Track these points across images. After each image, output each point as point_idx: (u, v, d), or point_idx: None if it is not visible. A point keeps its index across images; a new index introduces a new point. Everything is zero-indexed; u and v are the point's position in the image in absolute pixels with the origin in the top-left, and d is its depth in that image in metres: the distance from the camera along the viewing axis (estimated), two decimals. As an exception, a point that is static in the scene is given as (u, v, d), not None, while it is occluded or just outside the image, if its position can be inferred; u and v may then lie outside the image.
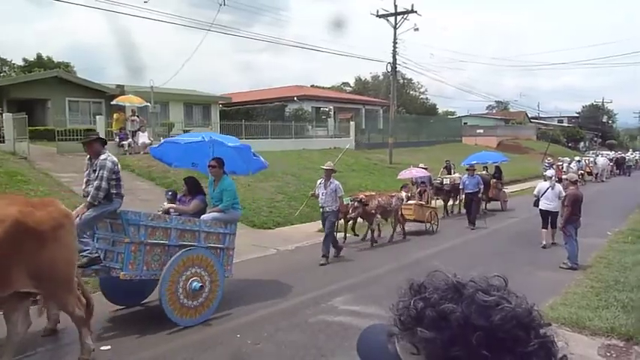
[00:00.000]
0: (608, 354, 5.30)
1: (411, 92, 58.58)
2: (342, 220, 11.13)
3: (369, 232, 11.44)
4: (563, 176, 16.11)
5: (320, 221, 10.67)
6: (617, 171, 35.11)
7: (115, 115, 20.31)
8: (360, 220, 11.55)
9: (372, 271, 9.11)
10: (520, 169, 29.83)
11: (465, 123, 50.46)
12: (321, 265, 9.40)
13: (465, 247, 11.29)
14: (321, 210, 10.01)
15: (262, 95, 33.73)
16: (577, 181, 10.20)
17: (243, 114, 28.94)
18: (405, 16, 27.44)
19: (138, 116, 20.61)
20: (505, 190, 18.06)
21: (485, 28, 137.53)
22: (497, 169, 17.96)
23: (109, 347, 5.53)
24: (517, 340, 0.77)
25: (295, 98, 31.63)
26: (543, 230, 10.99)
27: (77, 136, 19.23)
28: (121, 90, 23.42)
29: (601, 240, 11.25)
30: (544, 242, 10.92)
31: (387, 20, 27.91)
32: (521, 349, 0.77)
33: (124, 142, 19.47)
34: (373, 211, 11.11)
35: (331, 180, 9.94)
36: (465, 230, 13.34)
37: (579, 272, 8.64)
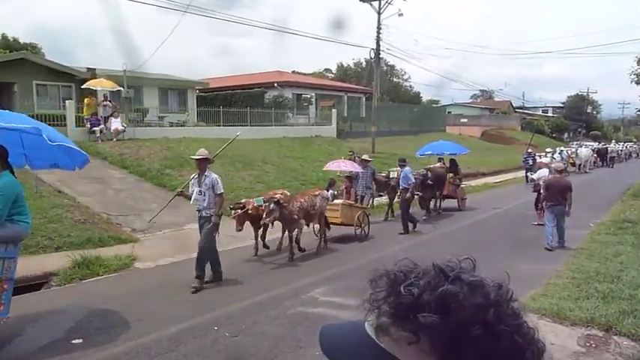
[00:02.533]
0: (588, 344, 5.45)
1: (395, 79, 58.75)
2: (252, 227, 9.44)
3: (289, 242, 9.46)
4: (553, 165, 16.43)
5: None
6: (600, 162, 35.85)
7: (85, 100, 19.93)
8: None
9: (353, 262, 9.19)
10: (504, 160, 30.25)
11: (449, 112, 50.84)
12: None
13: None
14: (197, 215, 7.90)
15: (241, 81, 33.43)
16: (563, 170, 11.38)
17: (222, 100, 28.67)
18: (389, 0, 27.43)
19: (110, 101, 20.27)
20: (463, 186, 16.57)
21: (471, 16, 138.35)
22: (453, 162, 16.22)
23: (80, 340, 5.50)
24: (511, 316, 0.80)
25: (276, 84, 31.45)
26: (537, 212, 12.93)
27: (46, 122, 18.84)
28: (93, 73, 22.96)
29: (583, 231, 11.52)
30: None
31: (371, 5, 27.86)
32: (515, 321, 0.79)
33: (95, 129, 19.14)
34: (295, 216, 9.32)
35: (207, 173, 7.76)
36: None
37: (560, 264, 8.84)
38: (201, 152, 7.95)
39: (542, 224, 12.13)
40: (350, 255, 9.88)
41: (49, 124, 19.57)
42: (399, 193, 12.35)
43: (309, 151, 23.14)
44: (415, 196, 13.29)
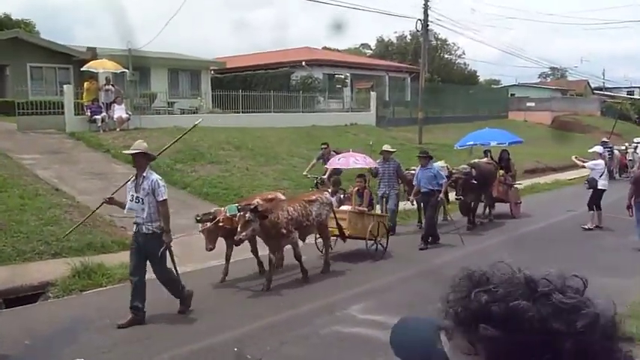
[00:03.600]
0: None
1: (446, 56, 58.05)
2: (225, 244, 8.69)
3: (270, 266, 8.37)
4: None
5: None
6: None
7: (85, 84, 20.41)
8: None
9: (394, 275, 9.14)
10: (579, 152, 29.55)
11: (512, 94, 50.07)
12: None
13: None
14: (135, 229, 7.13)
15: (263, 59, 33.61)
16: None
17: (241, 82, 28.95)
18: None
19: (113, 85, 20.71)
20: (517, 187, 15.72)
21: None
22: (504, 155, 15.40)
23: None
24: (599, 352, 0.79)
25: (304, 63, 31.54)
26: (590, 212, 13.09)
27: (41, 109, 19.44)
28: (93, 54, 23.51)
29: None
30: (588, 224, 12.95)
31: (417, -33, 27.61)
32: None
33: (96, 117, 19.59)
34: (283, 229, 8.24)
35: (146, 174, 6.95)
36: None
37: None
38: (138, 146, 7.08)
39: (591, 228, 12.86)
40: (389, 268, 9.83)
41: (45, 112, 20.26)
42: (410, 198, 12.41)
43: (344, 142, 23.02)
44: (455, 200, 13.13)
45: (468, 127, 30.78)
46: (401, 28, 64.24)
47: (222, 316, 7.21)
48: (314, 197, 9.35)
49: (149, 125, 20.04)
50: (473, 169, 13.15)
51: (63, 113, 19.42)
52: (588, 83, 62.93)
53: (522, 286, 0.84)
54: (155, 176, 7.02)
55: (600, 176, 13.01)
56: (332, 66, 33.61)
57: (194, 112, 24.10)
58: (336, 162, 12.33)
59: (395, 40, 58.00)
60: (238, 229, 7.70)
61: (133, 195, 6.96)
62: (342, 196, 11.49)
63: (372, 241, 10.48)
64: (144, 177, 6.92)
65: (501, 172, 14.94)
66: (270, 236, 8.22)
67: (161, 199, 6.84)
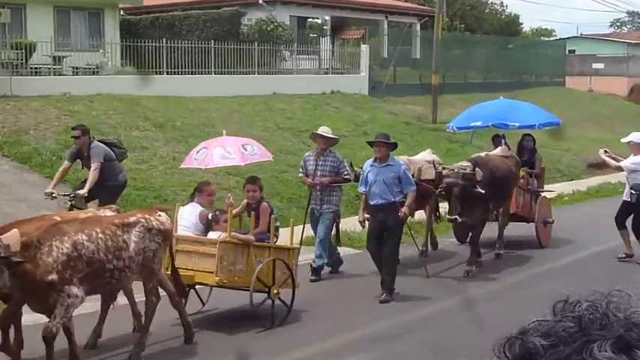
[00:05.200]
0: None
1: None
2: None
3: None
4: None
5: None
6: None
7: None
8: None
9: (393, 319, 9.33)
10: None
11: (571, 51, 50.60)
12: None
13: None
14: None
15: (200, -5, 33.52)
16: None
17: (164, 29, 28.81)
18: None
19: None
20: (547, 196, 15.28)
21: None
22: (527, 143, 14.89)
23: None
24: None
25: (261, 0, 31.45)
26: (622, 231, 12.94)
27: None
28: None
29: None
30: (625, 251, 12.87)
31: None
32: None
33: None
34: (52, 276, 7.26)
35: None
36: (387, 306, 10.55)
37: None
38: None
39: (631, 255, 12.79)
40: (387, 308, 9.99)
41: None
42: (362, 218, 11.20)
43: (320, 119, 23.14)
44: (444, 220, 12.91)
45: (506, 98, 31.22)
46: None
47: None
48: (133, 219, 8.33)
49: (25, 92, 19.90)
50: (478, 168, 11.69)
51: None
52: (684, 36, 63.93)
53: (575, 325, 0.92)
54: None
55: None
56: (303, 5, 33.55)
57: (94, 73, 23.89)
58: (192, 158, 11.43)
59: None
60: None
61: None
62: (212, 214, 10.10)
63: (267, 293, 9.53)
64: None
65: (524, 171, 14.26)
66: (29, 292, 7.42)
67: None
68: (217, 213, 10.03)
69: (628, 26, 73.86)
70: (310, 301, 10.26)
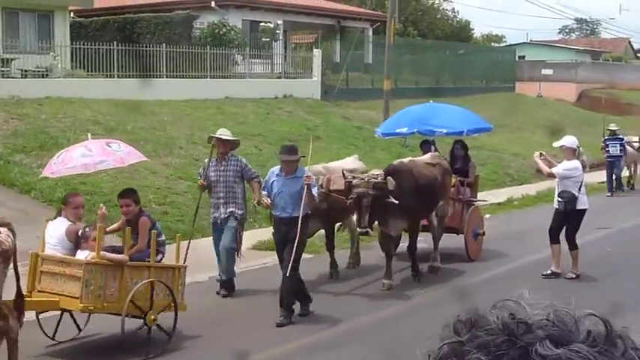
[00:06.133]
0: None
1: (427, -1, 59.00)
2: None
3: None
4: None
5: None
6: None
7: None
8: None
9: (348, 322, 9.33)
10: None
11: (521, 57, 51.26)
12: None
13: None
14: None
15: (151, -2, 33.38)
16: None
17: (116, 31, 28.63)
18: None
19: None
20: (477, 205, 14.53)
21: None
22: (458, 150, 14.22)
23: None
24: None
25: (213, 4, 31.38)
26: (554, 246, 12.21)
27: None
28: None
29: None
30: (552, 268, 12.12)
31: None
32: None
33: None
34: None
35: None
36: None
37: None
38: None
39: (555, 273, 11.97)
40: (346, 311, 9.98)
41: None
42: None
43: (273, 123, 23.20)
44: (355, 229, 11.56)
45: (458, 103, 31.54)
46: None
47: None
48: None
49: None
50: (390, 177, 11.01)
51: None
52: (630, 43, 65.22)
53: (503, 334, 0.94)
54: None
55: (579, 189, 11.92)
56: (256, 9, 33.57)
57: (44, 75, 23.63)
58: (52, 164, 10.30)
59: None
60: None
61: None
62: (82, 230, 9.00)
63: (142, 318, 8.68)
64: None
65: (454, 179, 13.52)
66: None
67: None
68: (87, 229, 8.87)
69: (576, 33, 75.17)
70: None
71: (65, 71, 24.39)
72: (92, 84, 22.32)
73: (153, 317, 8.54)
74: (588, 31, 73.03)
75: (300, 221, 9.56)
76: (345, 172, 11.08)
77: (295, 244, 9.65)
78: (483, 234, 13.77)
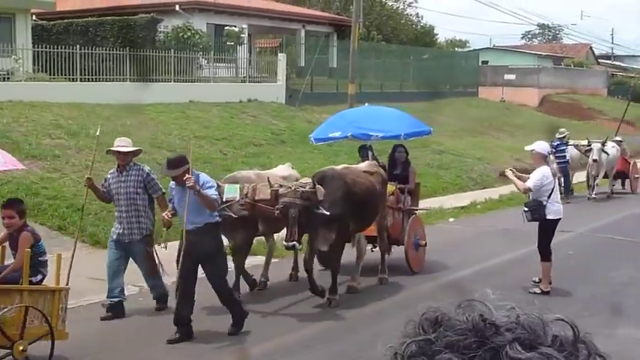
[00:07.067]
0: None
1: (390, 3, 59.23)
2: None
3: None
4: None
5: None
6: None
7: None
8: None
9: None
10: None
11: (484, 62, 51.70)
12: None
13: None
14: None
15: (114, 1, 33.11)
16: None
17: (78, 34, 28.40)
18: None
19: None
20: (417, 215, 13.62)
21: None
22: (399, 155, 13.39)
23: None
24: None
25: (177, 7, 31.28)
26: (545, 264, 11.39)
27: None
28: None
29: None
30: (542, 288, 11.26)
31: None
32: None
33: None
34: None
35: None
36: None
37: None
38: None
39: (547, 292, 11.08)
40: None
41: None
42: None
43: (238, 127, 23.15)
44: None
45: (421, 108, 31.73)
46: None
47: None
48: None
49: None
50: (319, 186, 10.12)
51: None
52: (591, 49, 65.87)
53: (472, 334, 0.96)
54: None
55: (549, 197, 11.10)
56: (220, 12, 33.53)
57: (5, 79, 23.39)
58: None
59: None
60: None
61: None
62: None
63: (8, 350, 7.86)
64: None
65: (393, 187, 12.67)
66: None
67: None
68: None
69: (539, 38, 75.84)
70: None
71: (27, 75, 24.14)
72: (54, 87, 22.12)
73: (22, 348, 7.65)
74: (550, 37, 73.76)
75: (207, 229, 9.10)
76: (270, 180, 10.24)
77: (213, 254, 9.18)
78: (425, 245, 12.79)
